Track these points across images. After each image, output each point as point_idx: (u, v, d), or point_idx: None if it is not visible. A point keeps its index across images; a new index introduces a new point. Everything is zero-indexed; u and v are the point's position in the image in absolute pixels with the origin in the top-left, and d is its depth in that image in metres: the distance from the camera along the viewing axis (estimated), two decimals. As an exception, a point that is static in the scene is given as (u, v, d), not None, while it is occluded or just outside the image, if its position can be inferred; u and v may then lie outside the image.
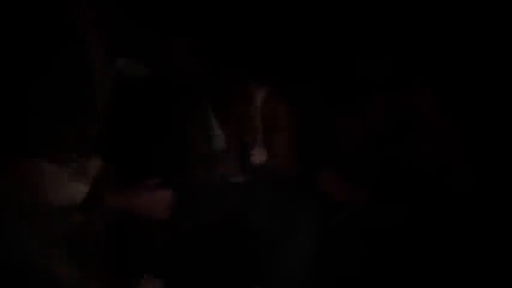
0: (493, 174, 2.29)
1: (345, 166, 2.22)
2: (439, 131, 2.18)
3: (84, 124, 1.44)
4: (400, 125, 2.21)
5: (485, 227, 2.13)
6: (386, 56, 2.25)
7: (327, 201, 2.18)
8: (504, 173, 2.34)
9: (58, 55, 1.34)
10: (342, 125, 2.27)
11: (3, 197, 1.30)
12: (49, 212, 1.36)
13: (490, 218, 2.16)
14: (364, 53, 2.26)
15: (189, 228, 2.03)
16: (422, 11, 2.74)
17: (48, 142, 1.34)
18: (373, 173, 2.20)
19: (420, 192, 2.14)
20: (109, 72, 1.49)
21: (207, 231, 2.05)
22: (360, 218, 2.17)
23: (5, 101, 1.31)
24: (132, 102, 2.12)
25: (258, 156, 2.13)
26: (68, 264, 1.45)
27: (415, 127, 2.19)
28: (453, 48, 2.57)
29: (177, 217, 1.97)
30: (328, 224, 2.18)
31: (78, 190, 1.42)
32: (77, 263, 1.47)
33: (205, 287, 2.01)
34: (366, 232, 2.12)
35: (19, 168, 1.33)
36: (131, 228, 1.84)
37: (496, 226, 2.15)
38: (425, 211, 2.12)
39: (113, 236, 1.71)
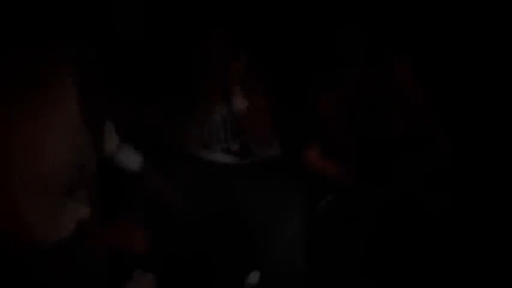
0: (472, 148, 2.34)
1: (328, 144, 2.27)
2: (418, 105, 2.21)
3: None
4: (376, 100, 2.25)
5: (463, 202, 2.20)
6: (365, 28, 2.26)
7: (313, 181, 2.24)
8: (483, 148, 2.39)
9: None
10: (320, 103, 2.31)
11: None
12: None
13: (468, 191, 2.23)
14: (343, 24, 2.28)
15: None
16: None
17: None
18: (354, 149, 2.25)
19: (402, 168, 2.20)
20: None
21: (200, 221, 2.12)
22: (349, 197, 2.23)
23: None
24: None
25: (240, 102, 2.20)
26: None
27: (393, 102, 2.23)
28: (433, 24, 2.57)
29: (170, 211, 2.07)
30: (318, 206, 2.25)
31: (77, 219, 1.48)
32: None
33: (203, 275, 2.10)
34: (356, 212, 2.17)
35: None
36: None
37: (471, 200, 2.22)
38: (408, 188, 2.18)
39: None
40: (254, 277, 2.11)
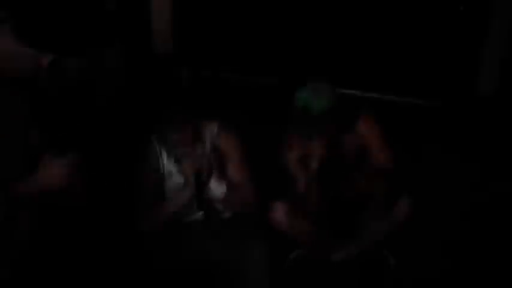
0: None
1: (295, 201, 2.25)
2: (383, 165, 2.21)
3: None
4: (344, 158, 2.23)
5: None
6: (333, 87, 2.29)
7: (282, 235, 2.21)
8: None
9: None
10: (288, 160, 2.30)
11: None
12: None
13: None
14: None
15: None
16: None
17: None
18: (321, 207, 2.25)
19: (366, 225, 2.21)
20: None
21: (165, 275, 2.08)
22: (313, 255, 2.23)
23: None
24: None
25: (216, 189, 2.14)
26: None
27: (360, 161, 2.22)
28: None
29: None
30: (285, 263, 2.25)
31: None
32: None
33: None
34: (322, 269, 2.17)
35: None
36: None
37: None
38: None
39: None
40: None
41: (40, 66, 1.31)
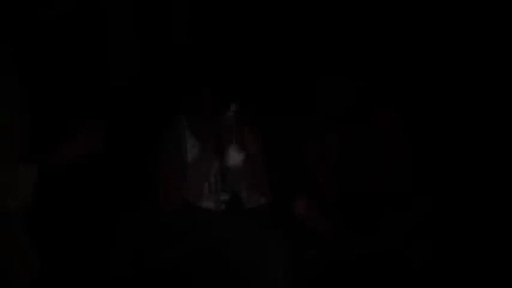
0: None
1: (315, 194, 2.26)
2: (403, 162, 2.19)
3: None
4: (362, 154, 2.22)
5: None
6: (355, 80, 2.26)
7: (300, 230, 2.23)
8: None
9: None
10: (306, 153, 2.29)
11: None
12: None
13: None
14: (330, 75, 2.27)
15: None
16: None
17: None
18: (339, 201, 2.24)
19: (386, 219, 2.20)
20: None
21: (180, 264, 2.09)
22: (333, 248, 2.23)
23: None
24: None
25: (234, 157, 2.16)
26: None
27: (380, 157, 2.20)
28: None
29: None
30: (305, 256, 2.25)
31: None
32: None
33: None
34: (339, 262, 2.17)
35: None
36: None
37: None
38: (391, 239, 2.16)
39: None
40: None
41: None
